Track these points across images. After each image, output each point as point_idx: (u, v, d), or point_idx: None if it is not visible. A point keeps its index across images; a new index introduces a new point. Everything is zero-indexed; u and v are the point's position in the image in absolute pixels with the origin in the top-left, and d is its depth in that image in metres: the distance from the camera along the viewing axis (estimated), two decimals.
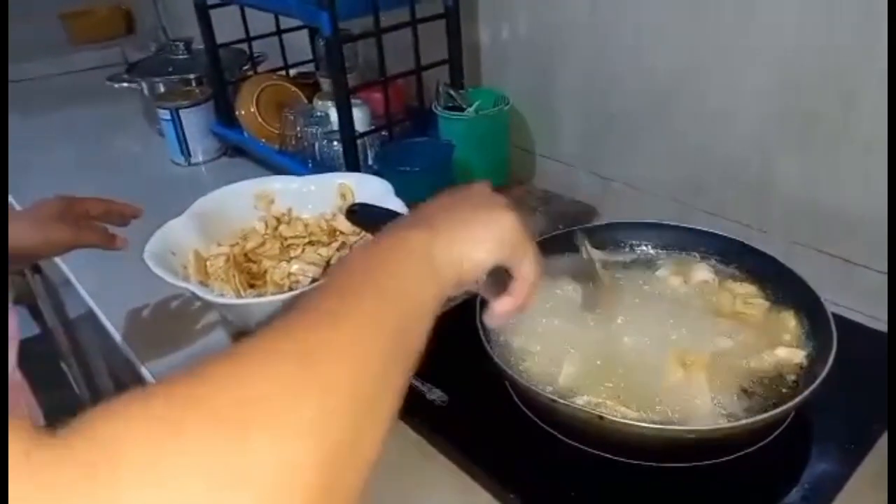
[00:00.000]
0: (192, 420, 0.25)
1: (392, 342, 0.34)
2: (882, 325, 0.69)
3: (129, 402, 0.25)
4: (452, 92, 0.99)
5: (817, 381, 0.50)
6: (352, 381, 0.30)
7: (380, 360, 0.33)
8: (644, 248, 0.71)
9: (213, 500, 0.23)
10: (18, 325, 0.39)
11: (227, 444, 0.24)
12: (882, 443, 0.54)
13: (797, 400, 0.49)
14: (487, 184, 0.49)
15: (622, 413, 0.51)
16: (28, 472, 0.21)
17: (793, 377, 0.55)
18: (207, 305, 0.81)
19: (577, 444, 0.54)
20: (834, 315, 0.57)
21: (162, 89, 1.27)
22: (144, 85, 1.30)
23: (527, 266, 0.46)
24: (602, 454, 0.53)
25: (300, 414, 0.27)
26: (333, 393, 0.29)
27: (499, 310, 0.48)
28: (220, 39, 1.15)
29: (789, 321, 0.60)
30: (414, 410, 0.61)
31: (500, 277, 0.47)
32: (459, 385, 0.61)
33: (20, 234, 0.70)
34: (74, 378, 1.55)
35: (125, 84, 1.30)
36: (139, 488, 0.22)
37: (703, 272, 0.66)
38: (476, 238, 0.42)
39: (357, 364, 0.31)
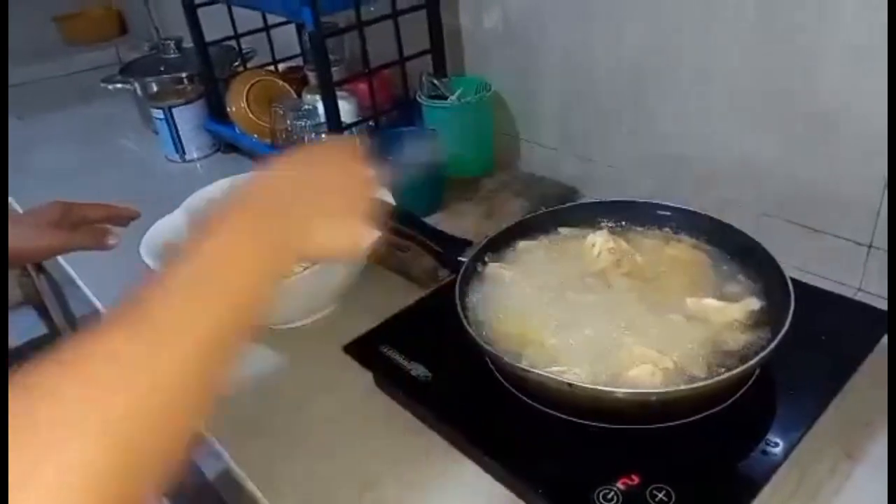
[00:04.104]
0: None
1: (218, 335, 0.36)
2: (842, 289, 0.72)
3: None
4: (435, 81, 1.02)
5: (776, 341, 0.53)
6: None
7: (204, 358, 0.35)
8: (617, 224, 0.74)
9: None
10: None
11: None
12: (839, 401, 0.56)
13: (755, 360, 0.52)
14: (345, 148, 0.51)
15: (591, 380, 0.54)
16: None
17: (755, 338, 0.58)
18: None
19: (551, 412, 0.57)
20: (798, 281, 0.59)
21: (155, 88, 1.30)
22: (137, 85, 1.32)
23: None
24: (575, 420, 0.56)
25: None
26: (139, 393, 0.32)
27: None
28: (209, 37, 1.17)
29: (750, 284, 0.62)
30: (398, 386, 0.64)
31: None
32: (442, 362, 0.65)
33: (18, 238, 0.73)
34: None
35: (118, 85, 1.33)
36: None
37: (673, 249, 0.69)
38: (338, 234, 0.46)
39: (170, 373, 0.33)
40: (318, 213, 0.45)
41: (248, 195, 0.44)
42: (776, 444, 0.53)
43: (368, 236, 0.47)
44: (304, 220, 0.44)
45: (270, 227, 0.42)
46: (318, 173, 0.48)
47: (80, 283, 0.96)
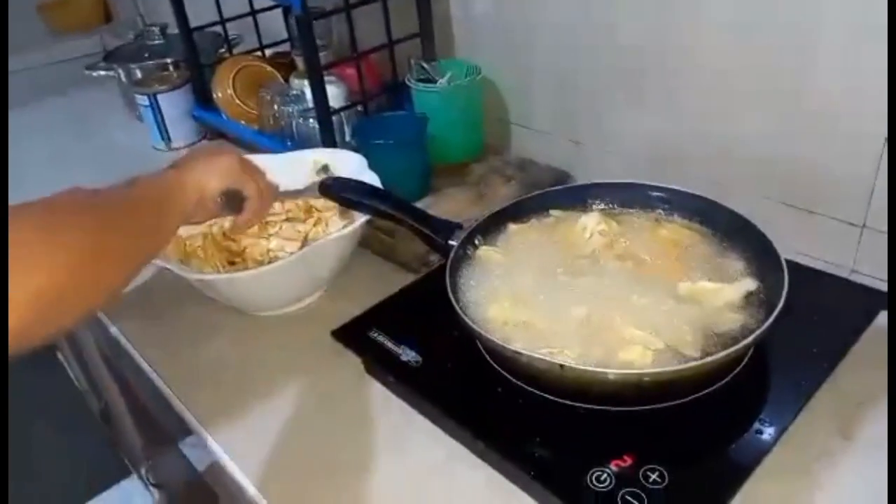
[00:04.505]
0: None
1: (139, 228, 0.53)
2: (835, 270, 0.72)
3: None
4: (424, 64, 1.00)
5: (770, 320, 0.52)
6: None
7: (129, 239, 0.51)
8: (609, 206, 0.73)
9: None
10: None
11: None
12: (833, 382, 0.56)
13: (748, 340, 0.52)
14: (220, 143, 0.72)
15: (582, 361, 0.53)
16: None
17: (749, 319, 0.57)
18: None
19: (543, 395, 0.56)
20: (792, 262, 0.59)
21: (139, 75, 1.28)
22: (121, 72, 1.30)
23: (251, 188, 0.66)
24: (567, 402, 0.55)
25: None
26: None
27: (238, 222, 0.69)
28: (194, 23, 1.15)
29: (743, 265, 0.62)
30: (389, 371, 0.63)
31: (237, 202, 0.68)
32: (432, 346, 0.64)
33: None
34: (68, 363, 1.57)
35: (102, 72, 1.31)
36: None
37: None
38: (206, 171, 0.62)
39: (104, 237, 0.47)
40: (196, 164, 0.63)
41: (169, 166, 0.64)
42: (769, 425, 0.53)
43: (228, 170, 0.64)
44: (190, 168, 0.62)
45: (184, 172, 0.62)
46: (196, 151, 0.67)
47: None
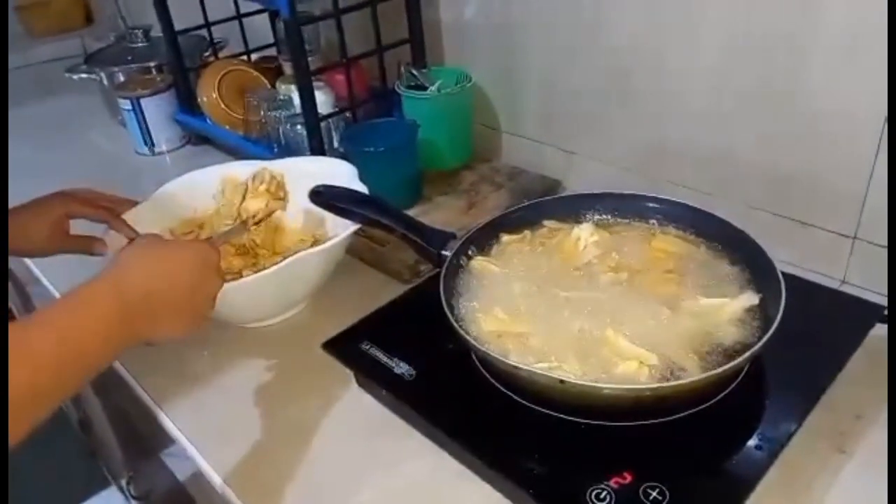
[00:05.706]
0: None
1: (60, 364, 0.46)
2: (825, 281, 0.72)
3: None
4: (414, 71, 0.99)
5: (769, 334, 0.52)
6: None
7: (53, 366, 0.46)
8: (603, 217, 0.73)
9: None
10: None
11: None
12: (829, 395, 0.56)
13: (749, 353, 0.51)
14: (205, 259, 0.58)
15: (581, 376, 0.52)
16: None
17: (745, 332, 0.57)
18: None
19: (541, 409, 0.55)
20: (787, 274, 0.58)
21: (122, 78, 1.26)
22: (103, 75, 1.28)
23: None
24: (565, 417, 0.54)
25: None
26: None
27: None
28: (179, 25, 1.13)
29: (738, 277, 0.61)
30: (381, 385, 0.62)
31: None
32: (426, 359, 0.63)
33: (18, 235, 0.72)
34: None
35: (84, 75, 1.28)
36: None
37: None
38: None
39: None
40: (170, 307, 0.54)
41: (134, 265, 0.54)
42: (768, 440, 0.52)
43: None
44: (158, 308, 0.53)
45: (138, 304, 0.51)
46: (185, 270, 0.56)
47: (46, 283, 0.92)
